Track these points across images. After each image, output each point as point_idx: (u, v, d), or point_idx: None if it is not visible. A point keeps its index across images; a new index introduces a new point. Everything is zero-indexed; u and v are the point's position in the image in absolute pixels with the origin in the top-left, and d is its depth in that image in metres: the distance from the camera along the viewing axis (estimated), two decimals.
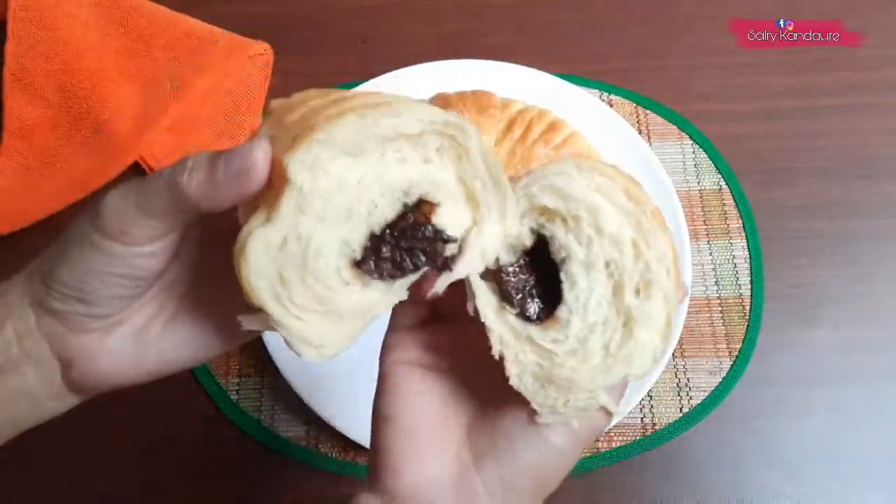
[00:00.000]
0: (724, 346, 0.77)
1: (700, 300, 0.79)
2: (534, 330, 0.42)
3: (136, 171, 0.87)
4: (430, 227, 0.40)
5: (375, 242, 0.39)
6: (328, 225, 0.38)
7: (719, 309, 0.79)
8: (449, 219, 0.41)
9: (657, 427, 0.74)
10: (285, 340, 0.39)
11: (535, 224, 0.43)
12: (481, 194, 0.41)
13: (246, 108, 0.89)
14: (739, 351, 0.77)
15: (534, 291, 0.43)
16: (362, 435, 0.69)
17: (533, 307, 0.43)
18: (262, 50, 0.91)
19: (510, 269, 0.43)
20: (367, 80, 0.87)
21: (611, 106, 0.88)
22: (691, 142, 0.88)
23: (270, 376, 0.75)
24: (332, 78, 0.92)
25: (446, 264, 0.41)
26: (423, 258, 0.40)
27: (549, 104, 0.81)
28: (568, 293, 0.42)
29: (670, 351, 0.74)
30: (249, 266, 0.36)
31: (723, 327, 0.78)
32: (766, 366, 0.77)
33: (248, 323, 0.39)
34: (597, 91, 0.90)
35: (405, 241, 0.40)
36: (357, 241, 0.39)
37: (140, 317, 0.43)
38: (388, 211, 0.39)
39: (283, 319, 0.38)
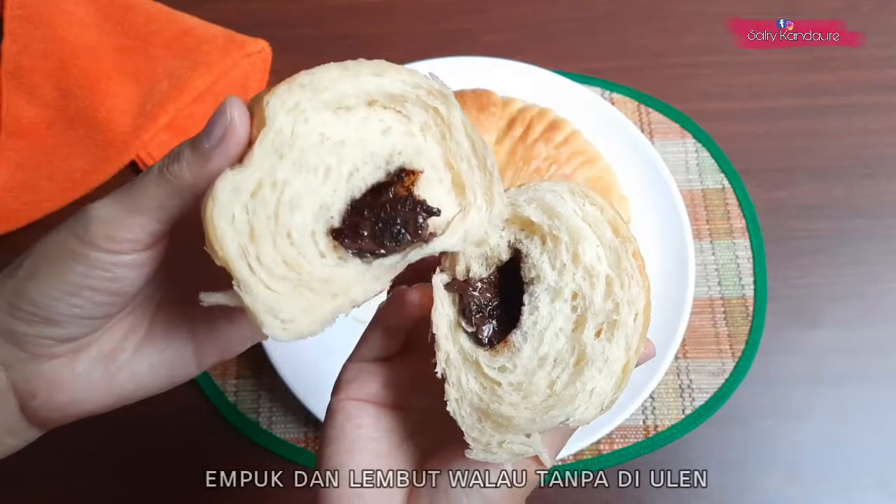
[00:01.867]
0: (727, 346, 0.77)
1: (703, 301, 0.79)
2: (483, 355, 0.39)
3: (134, 170, 0.86)
4: (411, 199, 0.38)
5: (355, 214, 0.37)
6: (306, 176, 0.36)
7: (722, 309, 0.79)
8: (433, 196, 0.39)
9: (659, 429, 0.74)
10: (248, 312, 0.34)
11: (514, 238, 0.41)
12: (468, 176, 0.39)
13: None
14: (742, 352, 0.77)
15: (494, 312, 0.41)
16: None
17: (488, 329, 0.40)
18: (259, 48, 0.91)
19: (478, 283, 0.41)
20: None
21: (612, 104, 0.87)
22: (694, 140, 0.87)
23: (269, 378, 0.75)
24: None
25: (426, 239, 0.38)
26: (403, 231, 0.38)
27: (550, 102, 0.80)
28: (526, 317, 0.39)
29: (671, 356, 0.73)
30: (216, 205, 0.33)
31: (725, 328, 0.78)
32: (768, 366, 0.76)
33: (208, 297, 0.35)
34: (598, 89, 0.90)
35: (385, 213, 0.38)
36: (336, 207, 0.37)
37: (109, 339, 0.41)
38: (369, 178, 0.38)
39: (249, 282, 0.34)
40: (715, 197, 0.84)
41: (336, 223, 0.37)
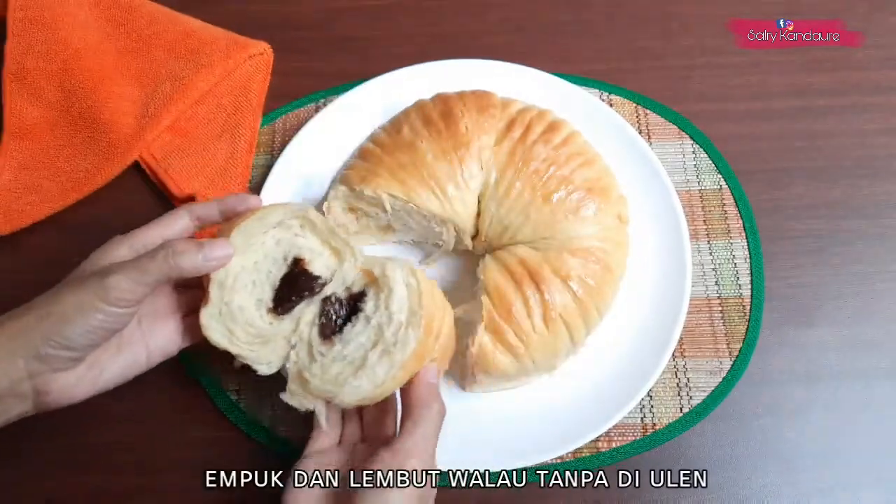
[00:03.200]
0: (725, 345, 0.77)
1: (700, 300, 0.79)
2: (316, 340, 0.63)
3: (137, 170, 0.87)
4: (305, 273, 0.64)
5: (278, 293, 0.63)
6: (241, 292, 0.62)
7: (719, 309, 0.79)
8: (322, 265, 0.65)
9: (657, 427, 0.74)
10: (246, 364, 0.64)
11: (365, 283, 0.64)
12: (337, 245, 0.65)
13: (246, 107, 0.89)
14: (739, 351, 0.77)
15: (336, 320, 0.64)
16: None
17: (328, 327, 0.63)
18: (261, 50, 0.91)
19: (335, 299, 0.64)
20: (366, 79, 0.87)
21: (611, 106, 0.88)
22: (692, 142, 0.88)
23: (270, 377, 0.75)
24: (331, 78, 0.92)
25: (319, 291, 0.64)
26: (306, 292, 0.64)
27: (549, 104, 0.81)
28: (348, 329, 0.62)
29: (668, 354, 0.74)
30: (204, 327, 0.61)
31: (723, 327, 0.78)
32: (765, 365, 0.77)
33: (236, 362, 0.64)
34: (597, 91, 0.90)
35: (294, 285, 0.63)
36: (266, 297, 0.63)
37: (95, 355, 0.59)
38: (278, 273, 0.64)
39: (241, 353, 0.63)
40: (712, 197, 0.85)
41: (270, 304, 0.63)
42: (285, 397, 0.62)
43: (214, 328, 0.61)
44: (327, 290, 0.64)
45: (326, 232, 0.65)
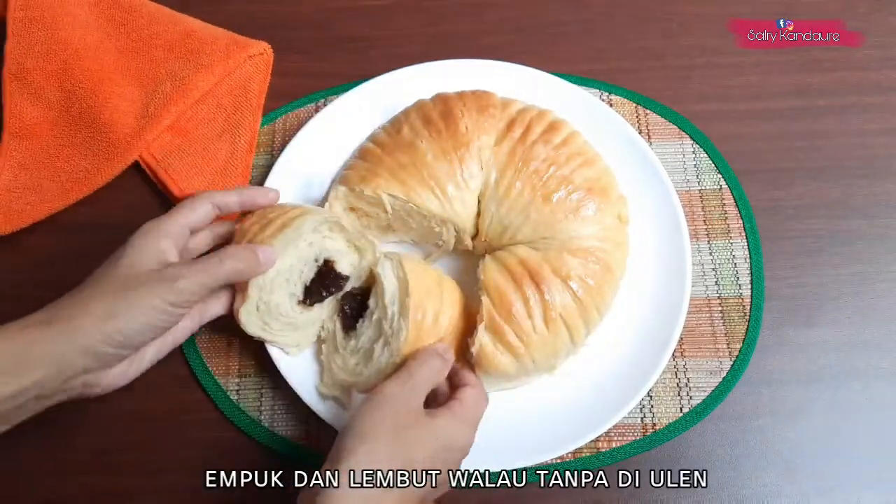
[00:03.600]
0: (725, 345, 0.78)
1: (700, 300, 0.79)
2: (339, 333, 0.72)
3: (137, 170, 0.87)
4: (333, 272, 0.72)
5: (309, 288, 0.72)
6: (277, 291, 0.69)
7: (719, 309, 0.79)
8: (346, 264, 0.73)
9: (657, 427, 0.74)
10: (277, 347, 0.73)
11: (371, 281, 0.72)
12: (359, 243, 0.73)
13: (246, 107, 0.89)
14: (739, 351, 0.77)
15: (352, 315, 0.72)
16: None
17: (347, 322, 0.72)
18: (261, 50, 0.91)
19: (352, 295, 0.73)
20: (366, 79, 0.87)
21: (611, 105, 0.88)
22: (692, 142, 0.88)
23: (271, 376, 0.75)
24: (331, 78, 0.92)
25: (343, 287, 0.73)
26: (332, 288, 0.72)
27: (549, 104, 0.81)
28: (360, 325, 0.71)
29: (668, 354, 0.74)
30: (243, 323, 0.69)
31: (723, 327, 0.78)
32: (765, 365, 0.77)
33: (268, 344, 0.73)
34: (597, 91, 0.90)
35: (323, 282, 0.72)
36: (298, 291, 0.71)
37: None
38: (309, 272, 0.72)
39: (273, 339, 0.72)
40: (712, 197, 0.85)
41: (300, 297, 0.71)
42: (319, 387, 0.71)
43: (253, 322, 0.69)
44: (348, 287, 0.73)
45: (355, 234, 0.73)
